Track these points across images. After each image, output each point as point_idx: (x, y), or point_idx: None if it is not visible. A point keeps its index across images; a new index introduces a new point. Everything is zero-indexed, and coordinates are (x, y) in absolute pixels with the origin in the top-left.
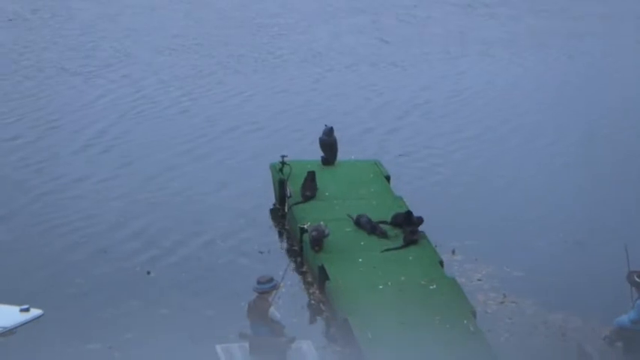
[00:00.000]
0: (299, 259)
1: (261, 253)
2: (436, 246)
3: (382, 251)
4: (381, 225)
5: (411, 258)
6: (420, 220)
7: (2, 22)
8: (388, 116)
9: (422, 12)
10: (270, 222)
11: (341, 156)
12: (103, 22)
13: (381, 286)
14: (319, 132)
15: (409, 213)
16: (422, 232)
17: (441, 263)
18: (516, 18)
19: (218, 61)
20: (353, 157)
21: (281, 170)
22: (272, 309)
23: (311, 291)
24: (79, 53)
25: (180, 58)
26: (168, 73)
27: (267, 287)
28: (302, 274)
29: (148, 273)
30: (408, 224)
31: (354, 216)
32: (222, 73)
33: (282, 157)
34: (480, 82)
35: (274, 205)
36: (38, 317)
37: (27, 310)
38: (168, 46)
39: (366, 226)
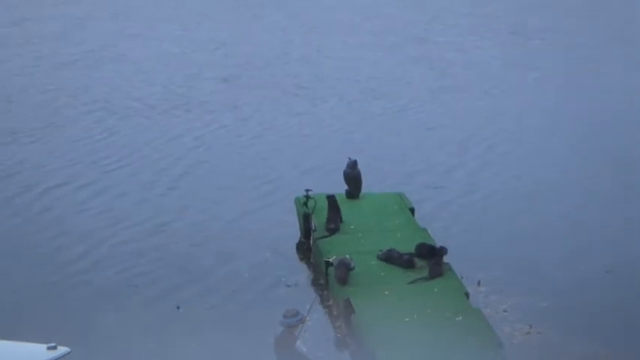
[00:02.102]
0: (325, 293)
1: (289, 286)
2: (462, 277)
3: (408, 283)
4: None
5: (436, 290)
6: (444, 251)
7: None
8: (413, 147)
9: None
10: (296, 255)
11: (365, 188)
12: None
13: (407, 319)
14: (343, 165)
15: (433, 245)
16: (447, 263)
17: (467, 295)
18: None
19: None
20: (377, 189)
21: (305, 204)
22: (298, 343)
23: (337, 324)
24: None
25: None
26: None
27: (293, 321)
28: (328, 307)
29: (178, 308)
30: (432, 256)
31: (383, 252)
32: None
33: (307, 190)
34: (506, 113)
35: (300, 238)
36: (65, 355)
37: (54, 348)
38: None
39: (397, 260)
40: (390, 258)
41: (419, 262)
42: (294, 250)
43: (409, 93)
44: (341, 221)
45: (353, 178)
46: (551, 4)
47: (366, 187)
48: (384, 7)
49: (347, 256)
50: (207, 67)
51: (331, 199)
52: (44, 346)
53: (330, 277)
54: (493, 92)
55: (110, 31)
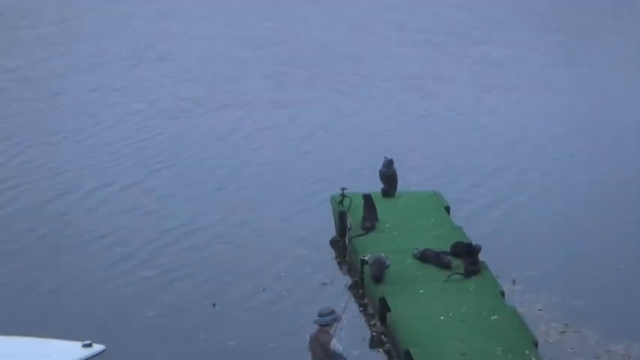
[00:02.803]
0: (360, 291)
1: (324, 284)
2: (497, 276)
3: (444, 281)
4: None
5: (472, 289)
6: (479, 248)
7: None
8: (449, 146)
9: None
10: (332, 253)
11: (401, 187)
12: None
13: (442, 317)
14: (379, 164)
15: (469, 244)
16: (483, 262)
17: (502, 293)
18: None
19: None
20: (413, 188)
21: (341, 202)
22: (334, 341)
23: (372, 323)
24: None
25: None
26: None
27: (328, 320)
28: (363, 305)
29: (214, 305)
30: (468, 254)
31: (418, 251)
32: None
33: (342, 189)
34: (543, 115)
35: (335, 236)
36: (101, 352)
37: (89, 345)
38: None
39: (433, 259)
40: (425, 257)
41: (454, 261)
42: (329, 248)
43: (454, 91)
44: (377, 220)
45: (389, 176)
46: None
47: (404, 186)
48: (429, 6)
49: (382, 254)
50: (253, 65)
51: (367, 198)
52: (80, 343)
53: (365, 276)
54: (538, 91)
55: (154, 29)
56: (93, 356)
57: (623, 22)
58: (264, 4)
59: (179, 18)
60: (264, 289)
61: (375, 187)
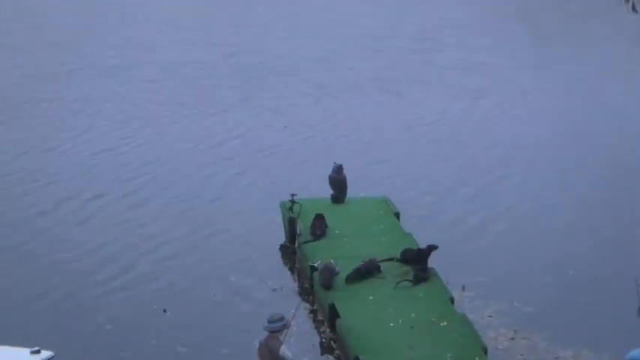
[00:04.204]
0: (310, 297)
1: (275, 290)
2: (447, 283)
3: (393, 288)
4: (390, 262)
5: (421, 295)
6: (433, 248)
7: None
8: (397, 152)
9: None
10: (282, 260)
11: (351, 192)
12: None
13: (391, 324)
14: (329, 169)
15: (418, 250)
16: (432, 268)
17: (452, 300)
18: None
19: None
20: (362, 194)
21: (291, 209)
22: (283, 348)
23: (322, 329)
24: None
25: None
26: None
27: (278, 326)
28: (313, 312)
29: (165, 311)
30: (417, 261)
31: (352, 274)
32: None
33: (292, 195)
34: (490, 119)
35: (285, 242)
36: (49, 359)
37: (37, 352)
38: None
39: (366, 271)
40: (359, 276)
41: (402, 268)
42: (279, 255)
43: (415, 97)
44: (326, 226)
45: (338, 182)
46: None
47: (354, 191)
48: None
49: (332, 260)
50: (222, 74)
51: (319, 217)
52: (28, 350)
53: (315, 282)
54: (496, 96)
55: (116, 38)
56: None
57: (592, 25)
58: (229, 12)
59: (144, 26)
60: (215, 295)
61: (326, 193)
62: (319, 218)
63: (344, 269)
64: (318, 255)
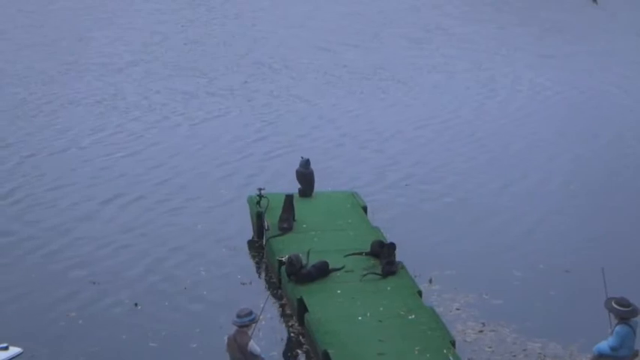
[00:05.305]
0: (278, 292)
1: (243, 284)
2: (415, 276)
3: (360, 280)
4: (359, 255)
5: (389, 288)
6: (393, 247)
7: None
8: (364, 146)
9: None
10: (250, 254)
11: (318, 187)
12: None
13: (360, 317)
14: (296, 164)
15: (382, 243)
16: (400, 262)
17: (420, 293)
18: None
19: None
20: (330, 188)
21: (258, 203)
22: (252, 342)
23: (290, 323)
24: None
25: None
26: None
27: (246, 321)
28: (281, 306)
29: (136, 305)
30: (385, 255)
31: (314, 267)
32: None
33: (260, 189)
34: (460, 109)
35: (252, 237)
36: (18, 355)
37: (6, 348)
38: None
39: (325, 270)
40: (322, 272)
41: (370, 261)
42: (247, 249)
43: (389, 91)
44: (294, 220)
45: (305, 176)
46: None
47: (322, 186)
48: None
49: (300, 254)
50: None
51: (288, 198)
52: None
53: (282, 276)
54: (469, 92)
55: (100, 37)
56: (10, 359)
57: (588, 16)
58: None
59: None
60: (185, 288)
61: (292, 187)
62: (288, 203)
63: (311, 263)
64: (286, 249)
